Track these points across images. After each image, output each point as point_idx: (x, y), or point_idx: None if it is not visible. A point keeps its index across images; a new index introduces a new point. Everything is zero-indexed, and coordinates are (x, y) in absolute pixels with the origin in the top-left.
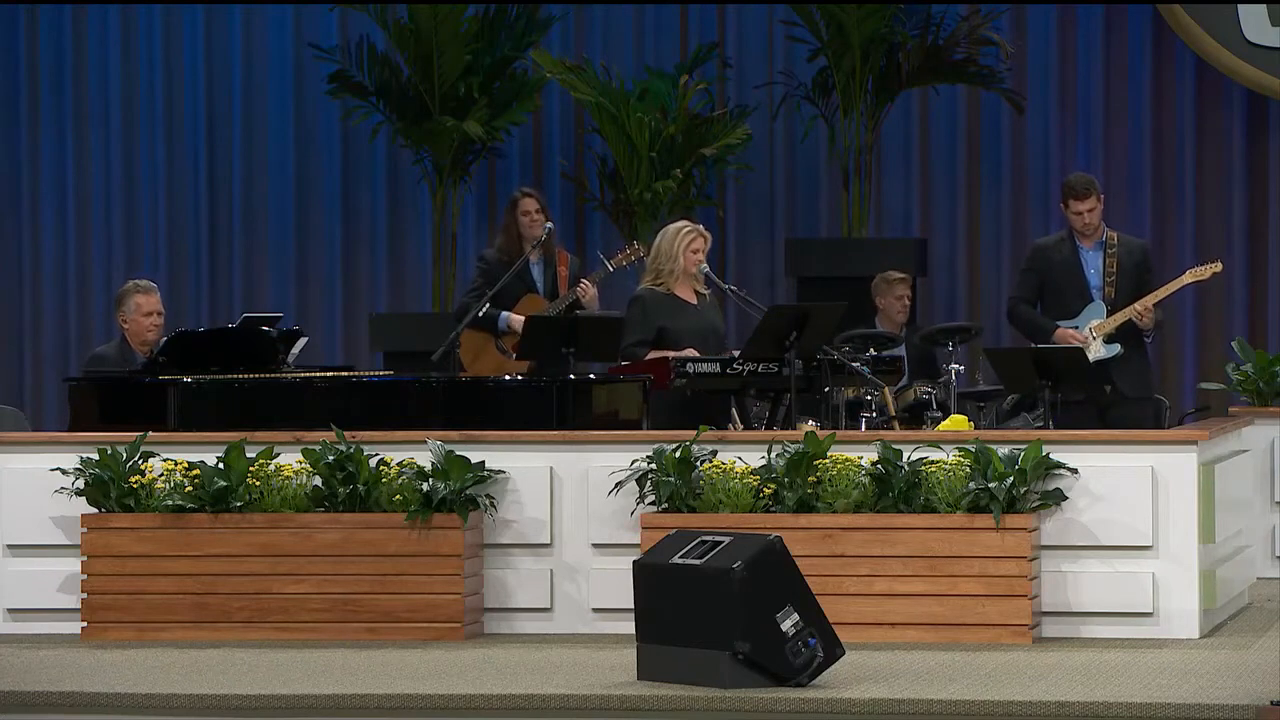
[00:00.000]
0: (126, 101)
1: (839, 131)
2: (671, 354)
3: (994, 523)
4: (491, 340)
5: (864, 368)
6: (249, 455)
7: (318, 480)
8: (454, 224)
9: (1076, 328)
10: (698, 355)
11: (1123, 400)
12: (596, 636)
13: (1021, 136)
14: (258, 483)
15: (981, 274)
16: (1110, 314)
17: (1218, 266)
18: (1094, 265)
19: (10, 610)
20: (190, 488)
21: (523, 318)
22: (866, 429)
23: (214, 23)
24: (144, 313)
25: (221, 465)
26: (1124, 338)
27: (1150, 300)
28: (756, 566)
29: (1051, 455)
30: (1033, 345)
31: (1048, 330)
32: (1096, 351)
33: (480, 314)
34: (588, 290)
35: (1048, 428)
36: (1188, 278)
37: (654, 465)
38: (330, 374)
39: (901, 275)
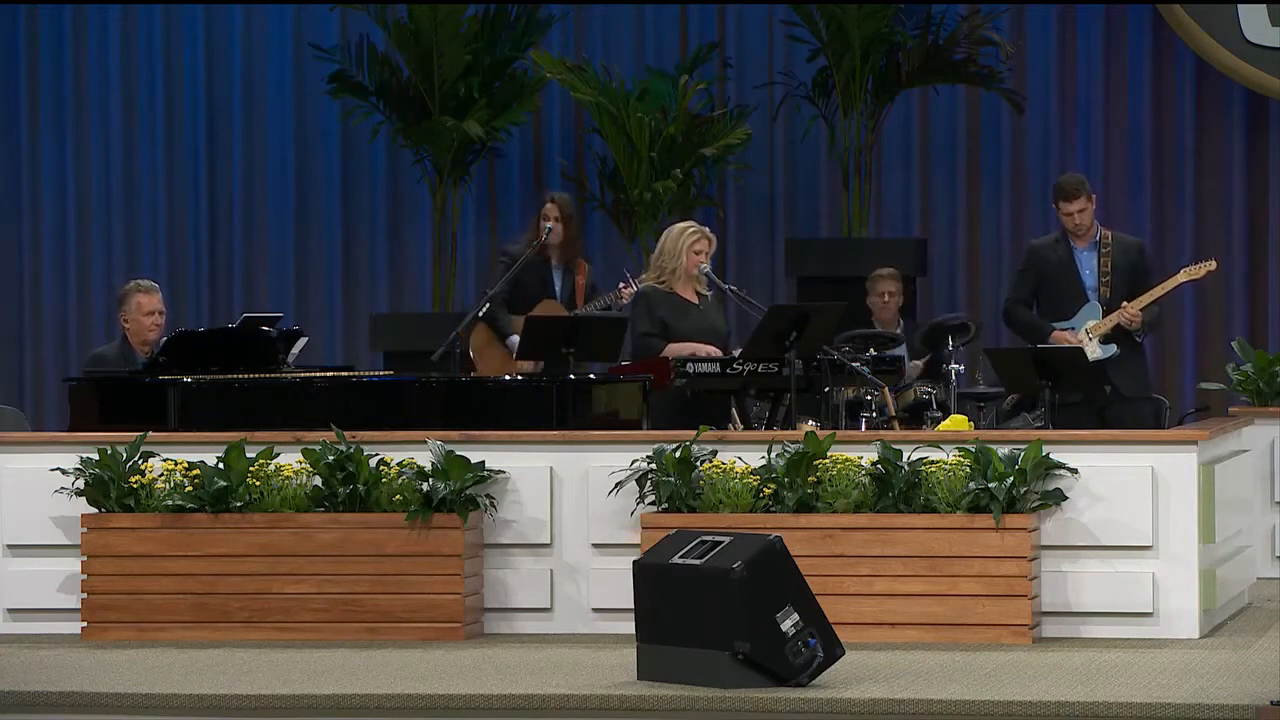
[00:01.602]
0: (126, 101)
1: (839, 131)
2: (691, 347)
3: (994, 523)
4: (490, 344)
5: (864, 368)
6: (249, 455)
7: (318, 480)
8: (454, 224)
9: (1072, 329)
10: (718, 353)
11: (1121, 400)
12: (596, 636)
13: (1021, 136)
14: (258, 483)
15: (981, 274)
16: (1105, 314)
17: (1211, 265)
18: (1089, 266)
19: (10, 610)
20: (190, 488)
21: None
22: (866, 429)
23: (214, 23)
24: (145, 312)
25: (221, 465)
26: (1120, 338)
27: (1137, 305)
28: (756, 566)
29: (1051, 455)
30: (1033, 345)
31: (1044, 332)
32: (1093, 353)
33: (480, 314)
34: (628, 289)
35: (1048, 428)
36: (1181, 277)
37: (654, 465)
38: (330, 374)
39: (885, 273)
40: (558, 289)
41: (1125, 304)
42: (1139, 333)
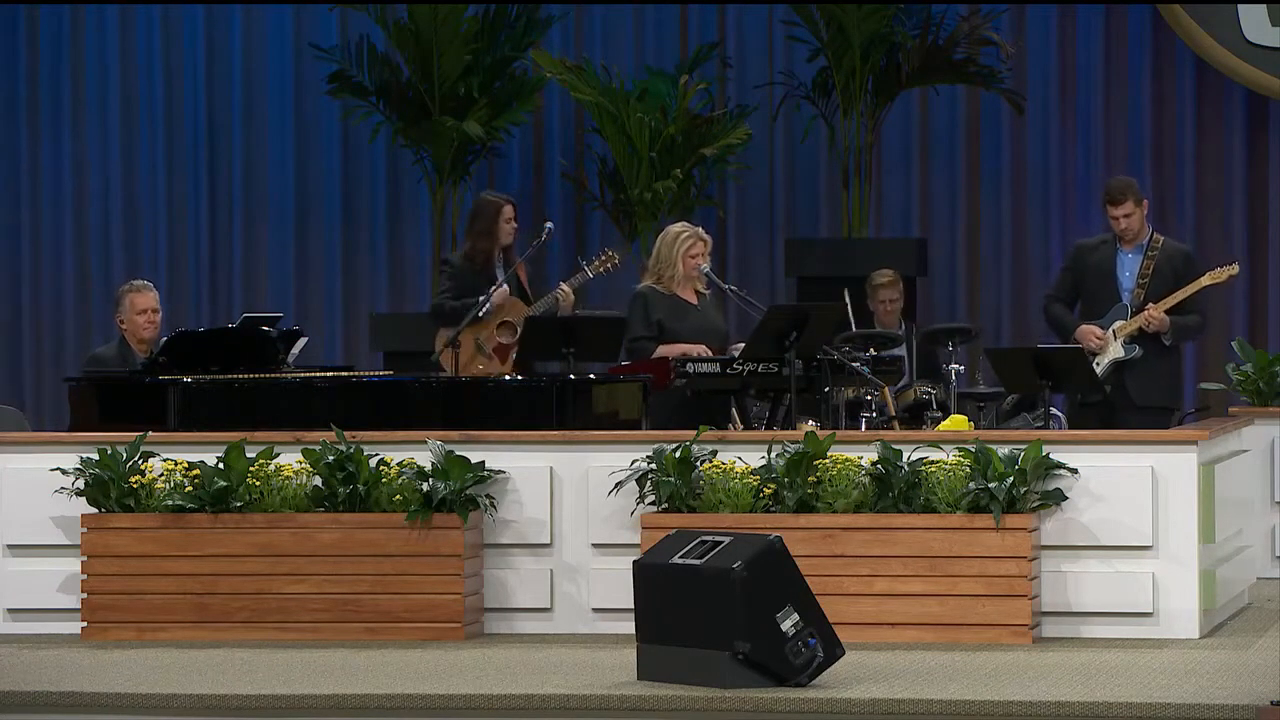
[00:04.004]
0: (126, 102)
1: (839, 131)
2: (683, 347)
3: (994, 523)
4: (470, 340)
5: (864, 368)
6: (249, 455)
7: (318, 480)
8: (454, 224)
9: (1100, 328)
10: (709, 354)
11: (1134, 410)
12: (596, 636)
13: (1021, 136)
14: (258, 483)
15: (981, 274)
16: (1134, 315)
17: (1234, 269)
18: (1130, 268)
19: (10, 610)
20: (190, 488)
21: (504, 290)
22: (866, 429)
23: (214, 23)
24: (138, 310)
25: (221, 465)
26: (1146, 342)
27: (1160, 307)
28: (756, 566)
29: (1051, 455)
30: (1036, 346)
31: (1071, 329)
32: (1115, 353)
33: (481, 314)
34: (568, 296)
35: (1063, 428)
36: (1206, 280)
37: (654, 465)
38: (330, 374)
39: (884, 280)
40: (502, 281)
41: (1150, 306)
42: (1166, 337)
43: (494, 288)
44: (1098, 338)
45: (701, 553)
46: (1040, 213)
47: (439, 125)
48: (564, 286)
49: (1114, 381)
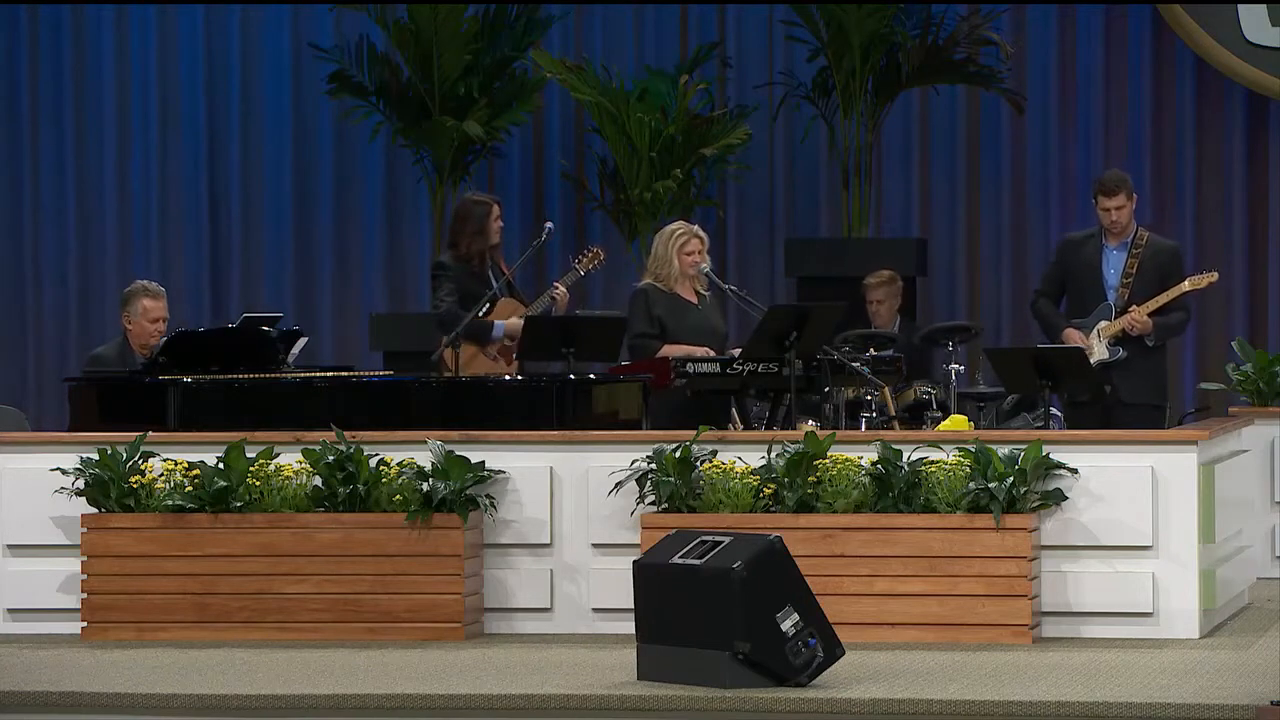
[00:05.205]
0: (126, 102)
1: (839, 131)
2: (685, 349)
3: (994, 523)
4: (478, 351)
5: (864, 368)
6: (249, 455)
7: (318, 480)
8: None
9: (1085, 329)
10: (711, 354)
11: (1122, 406)
12: (596, 636)
13: (1021, 136)
14: (258, 483)
15: (981, 274)
16: (1118, 316)
17: (1214, 277)
18: (1115, 265)
19: (10, 610)
20: (190, 488)
21: (519, 322)
22: (866, 429)
23: (212, 23)
24: (150, 318)
25: (221, 465)
26: (1130, 342)
27: (1143, 310)
28: (756, 566)
29: (1051, 455)
30: (1036, 345)
31: (1058, 328)
32: (1099, 354)
33: (480, 312)
34: (564, 295)
35: (1062, 427)
36: (1186, 285)
37: (654, 465)
38: (330, 374)
39: (872, 281)
40: (496, 289)
41: (1133, 308)
42: (1149, 338)
43: (487, 295)
44: (1081, 342)
45: (701, 553)
46: (1040, 213)
47: (439, 125)
48: (559, 286)
49: (1103, 380)
